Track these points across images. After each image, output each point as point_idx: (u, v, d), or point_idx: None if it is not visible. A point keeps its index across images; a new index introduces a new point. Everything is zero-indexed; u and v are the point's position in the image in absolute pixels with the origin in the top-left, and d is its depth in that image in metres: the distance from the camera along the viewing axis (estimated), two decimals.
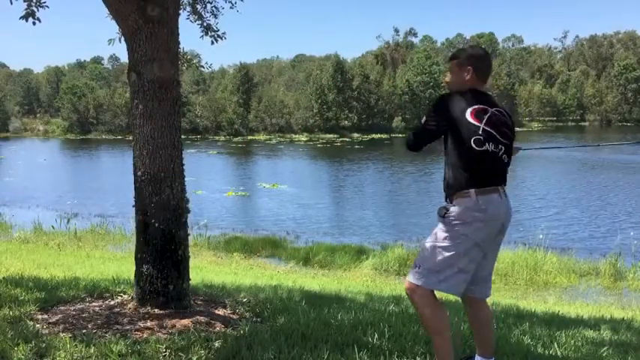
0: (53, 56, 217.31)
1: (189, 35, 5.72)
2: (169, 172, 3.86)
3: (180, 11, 4.51)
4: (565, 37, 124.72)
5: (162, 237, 3.84)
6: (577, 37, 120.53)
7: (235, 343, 3.19)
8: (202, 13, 5.50)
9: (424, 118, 2.82)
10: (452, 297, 3.18)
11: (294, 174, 32.85)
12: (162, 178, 3.83)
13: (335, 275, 11.69)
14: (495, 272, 11.27)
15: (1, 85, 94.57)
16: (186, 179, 4.03)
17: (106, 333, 3.40)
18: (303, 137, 70.31)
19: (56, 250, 12.57)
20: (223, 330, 3.56)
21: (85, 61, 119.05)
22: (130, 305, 3.94)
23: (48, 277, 5.78)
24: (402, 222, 18.58)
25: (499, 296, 8.95)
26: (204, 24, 5.54)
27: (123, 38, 3.98)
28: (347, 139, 66.02)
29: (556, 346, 3.52)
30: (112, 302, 4.14)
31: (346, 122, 76.44)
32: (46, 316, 3.74)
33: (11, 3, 4.38)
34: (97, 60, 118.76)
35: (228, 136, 70.87)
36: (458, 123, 2.73)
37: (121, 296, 4.31)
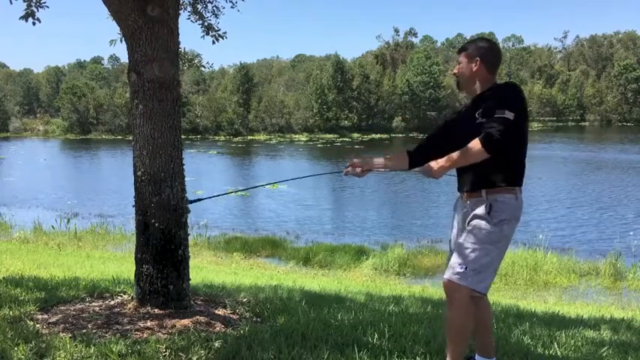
0: (53, 56, 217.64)
1: (189, 35, 5.73)
2: (169, 172, 3.86)
3: (181, 11, 4.52)
4: (565, 37, 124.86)
5: (162, 237, 3.84)
6: (577, 37, 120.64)
7: (235, 343, 3.19)
8: (203, 13, 5.50)
9: (512, 113, 2.58)
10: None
11: (294, 174, 32.81)
12: (162, 178, 3.83)
13: (335, 275, 11.69)
14: None
15: (1, 85, 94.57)
16: (186, 179, 4.03)
17: (106, 333, 3.40)
18: (303, 137, 70.30)
19: (56, 250, 12.56)
20: (223, 330, 3.56)
21: (85, 61, 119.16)
22: (130, 305, 3.94)
23: (48, 277, 5.78)
24: (402, 222, 18.58)
25: (499, 296, 8.96)
26: (205, 24, 5.54)
27: (123, 38, 3.98)
28: (347, 139, 66.01)
29: (556, 346, 3.52)
30: (112, 302, 4.14)
31: (346, 122, 76.45)
32: (46, 316, 3.73)
33: (11, 3, 4.38)
34: (97, 60, 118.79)
35: (228, 136, 70.88)
36: (525, 121, 2.72)
37: (121, 296, 4.31)
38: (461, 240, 2.74)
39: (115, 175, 32.91)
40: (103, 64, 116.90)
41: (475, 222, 2.71)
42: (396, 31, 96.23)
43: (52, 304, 4.04)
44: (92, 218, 18.25)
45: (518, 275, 11.43)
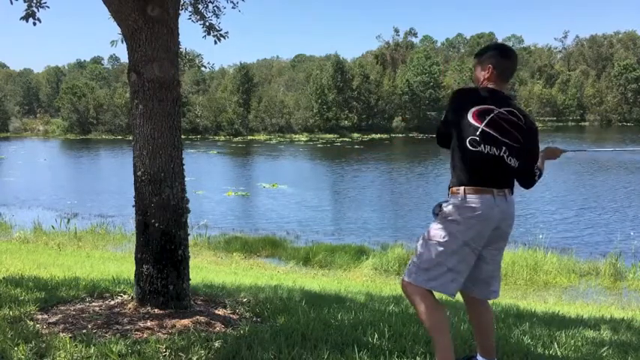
0: (53, 56, 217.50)
1: (190, 35, 5.73)
2: (169, 172, 3.85)
3: (182, 11, 4.51)
4: (565, 37, 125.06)
5: (162, 237, 3.84)
6: (577, 37, 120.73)
7: (235, 343, 3.19)
8: (204, 13, 5.50)
9: (444, 113, 2.90)
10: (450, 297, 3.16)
11: (294, 174, 32.84)
12: (162, 178, 3.83)
13: (335, 275, 11.69)
14: None
15: (1, 85, 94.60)
16: (186, 179, 4.03)
17: (106, 333, 3.40)
18: (303, 137, 70.31)
19: (56, 250, 12.56)
20: (223, 330, 3.56)
21: (85, 61, 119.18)
22: (130, 305, 3.94)
23: (48, 277, 5.78)
24: (402, 222, 18.58)
25: (499, 296, 8.94)
26: (207, 24, 5.54)
27: (123, 38, 3.98)
28: (347, 139, 66.02)
29: (556, 346, 3.52)
30: (112, 302, 4.14)
31: (346, 122, 76.46)
32: (46, 316, 3.73)
33: (11, 3, 4.38)
34: (97, 60, 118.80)
35: (228, 136, 70.90)
36: (460, 122, 2.75)
37: (121, 296, 4.31)
38: None
39: (115, 175, 32.92)
40: (103, 64, 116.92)
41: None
42: (396, 31, 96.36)
43: (52, 304, 4.04)
44: (92, 218, 18.25)
45: (518, 275, 11.43)
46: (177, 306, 3.87)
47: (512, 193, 2.83)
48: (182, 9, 4.66)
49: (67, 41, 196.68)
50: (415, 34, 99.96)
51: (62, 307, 3.98)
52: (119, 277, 5.74)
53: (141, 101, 3.81)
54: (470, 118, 2.72)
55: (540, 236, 13.04)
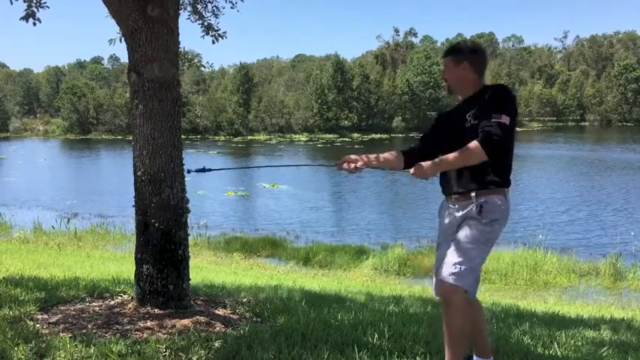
0: (53, 56, 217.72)
1: (189, 35, 5.73)
2: (169, 172, 3.85)
3: (181, 11, 4.51)
4: (565, 37, 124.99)
5: (162, 237, 3.84)
6: (577, 37, 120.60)
7: (235, 343, 3.19)
8: (203, 12, 5.51)
9: (508, 117, 2.61)
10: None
11: (294, 174, 32.83)
12: (162, 178, 3.83)
13: (335, 275, 11.69)
14: (495, 272, 11.32)
15: (1, 85, 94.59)
16: (186, 179, 4.03)
17: (106, 333, 3.40)
18: (303, 137, 70.31)
19: (56, 250, 12.56)
20: (223, 330, 3.56)
21: (85, 61, 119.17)
22: (130, 305, 3.94)
23: (48, 277, 5.78)
24: (402, 222, 18.58)
25: (499, 296, 8.96)
26: (205, 24, 5.54)
27: (123, 38, 3.98)
28: (347, 139, 66.02)
29: (556, 346, 3.52)
30: (112, 302, 4.14)
31: (346, 122, 76.47)
32: (46, 316, 3.73)
33: (11, 3, 4.39)
34: (97, 60, 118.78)
35: (228, 136, 70.89)
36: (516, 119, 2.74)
37: (121, 296, 4.31)
38: (453, 242, 2.72)
39: (115, 175, 32.91)
40: (103, 64, 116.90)
41: (467, 223, 2.70)
42: (396, 31, 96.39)
43: (52, 304, 4.04)
44: (92, 218, 18.25)
45: (518, 275, 11.43)
46: (178, 306, 3.87)
47: None
48: (181, 9, 4.66)
49: (67, 41, 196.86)
50: (415, 34, 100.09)
51: (62, 307, 3.98)
52: (119, 277, 5.74)
53: (141, 101, 3.81)
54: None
55: (540, 236, 13.03)
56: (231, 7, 5.80)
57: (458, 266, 2.64)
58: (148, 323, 3.59)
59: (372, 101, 77.04)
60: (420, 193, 24.07)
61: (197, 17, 5.52)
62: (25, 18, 4.45)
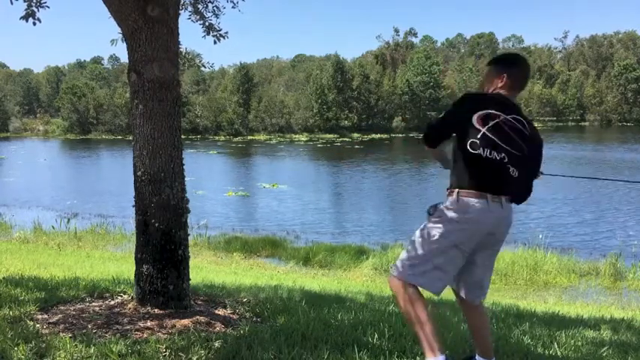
0: (53, 56, 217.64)
1: (189, 35, 5.73)
2: (169, 172, 3.85)
3: (182, 11, 4.51)
4: (565, 37, 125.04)
5: (162, 237, 3.84)
6: (577, 37, 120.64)
7: (235, 343, 3.19)
8: (204, 12, 5.50)
9: (443, 113, 2.90)
10: (452, 297, 3.17)
11: (294, 174, 32.84)
12: (162, 178, 3.83)
13: (335, 275, 11.69)
14: (495, 272, 11.29)
15: (1, 85, 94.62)
16: (186, 179, 4.02)
17: (106, 333, 3.39)
18: (303, 137, 70.34)
19: (56, 250, 12.57)
20: (223, 330, 3.56)
21: (85, 61, 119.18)
22: (130, 305, 3.93)
23: (48, 277, 5.78)
24: (402, 222, 18.58)
25: (499, 296, 8.96)
26: (206, 24, 5.53)
27: (123, 38, 3.98)
28: (347, 139, 66.04)
29: (556, 346, 3.52)
30: (112, 302, 4.14)
31: (346, 122, 76.48)
32: (46, 316, 3.73)
33: (11, 3, 4.38)
34: (97, 60, 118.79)
35: (228, 136, 70.93)
36: (464, 124, 2.74)
37: (121, 296, 4.31)
38: None
39: (114, 175, 32.92)
40: (103, 64, 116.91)
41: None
42: (396, 31, 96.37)
43: (52, 304, 4.04)
44: (92, 218, 18.25)
45: (518, 275, 11.44)
46: (178, 306, 3.87)
47: (511, 202, 2.81)
48: (182, 9, 4.66)
49: (67, 41, 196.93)
50: (415, 34, 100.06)
51: (62, 307, 3.98)
52: (119, 277, 5.74)
53: (141, 101, 3.81)
54: (474, 121, 2.71)
55: (540, 236, 13.04)
56: (233, 7, 5.79)
57: (398, 260, 2.79)
58: (148, 323, 3.59)
59: (372, 101, 77.06)
60: (420, 194, 24.08)
61: (198, 17, 5.51)
62: (25, 17, 4.45)
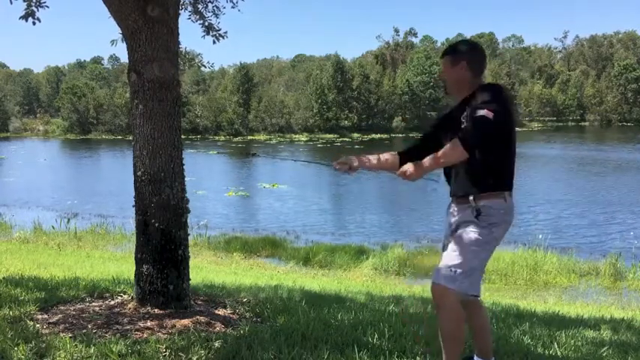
0: (53, 56, 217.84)
1: (189, 35, 5.72)
2: (169, 172, 3.85)
3: (182, 11, 4.51)
4: (565, 37, 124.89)
5: (162, 237, 3.84)
6: (577, 37, 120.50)
7: (235, 343, 3.19)
8: (204, 12, 5.50)
9: (491, 112, 2.51)
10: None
11: (294, 174, 32.84)
12: (162, 178, 3.83)
13: (335, 275, 11.69)
14: (495, 272, 11.32)
15: (1, 85, 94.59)
16: (186, 179, 4.02)
17: (106, 333, 3.39)
18: (303, 137, 70.35)
19: (56, 250, 12.56)
20: (223, 330, 3.56)
21: (85, 61, 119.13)
22: (130, 305, 3.94)
23: (48, 277, 5.78)
24: (402, 222, 18.58)
25: (499, 296, 8.95)
26: (206, 24, 5.53)
27: (123, 38, 3.98)
28: (347, 139, 66.05)
29: (556, 346, 3.52)
30: (112, 302, 4.14)
31: (346, 122, 76.49)
32: (46, 316, 3.73)
33: (11, 3, 4.39)
34: (97, 60, 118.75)
35: (228, 136, 70.93)
36: (513, 119, 2.70)
37: (121, 296, 4.31)
38: (450, 245, 2.74)
39: (114, 175, 32.92)
40: (103, 64, 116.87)
41: (464, 227, 2.71)
42: (396, 31, 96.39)
43: (52, 304, 4.04)
44: (92, 218, 18.25)
45: (518, 275, 11.43)
46: (178, 306, 3.87)
47: None
48: (182, 9, 4.66)
49: (67, 41, 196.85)
50: (415, 34, 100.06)
51: (62, 307, 3.98)
52: (119, 277, 5.74)
53: (141, 101, 3.81)
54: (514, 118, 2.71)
55: (540, 236, 13.03)
56: (232, 7, 5.79)
57: (452, 269, 2.64)
58: (148, 323, 3.59)
59: (372, 101, 77.05)
60: (420, 194, 24.07)
61: (198, 17, 5.51)
62: (25, 17, 4.45)
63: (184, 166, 4.01)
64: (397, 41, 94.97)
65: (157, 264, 3.84)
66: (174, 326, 3.55)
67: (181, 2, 4.40)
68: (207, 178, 29.30)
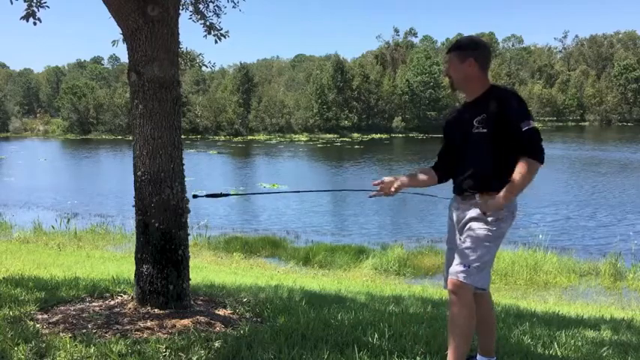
0: (53, 56, 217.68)
1: (190, 35, 5.73)
2: (169, 172, 3.85)
3: (183, 11, 4.51)
4: (565, 37, 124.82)
5: (162, 237, 3.84)
6: (577, 37, 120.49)
7: (235, 343, 3.19)
8: (205, 12, 5.50)
9: (531, 121, 2.68)
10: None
11: (294, 174, 32.84)
12: (162, 178, 3.83)
13: (335, 275, 11.68)
14: (495, 272, 11.31)
15: (1, 85, 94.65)
16: (186, 179, 4.03)
17: (106, 333, 3.39)
18: (303, 137, 70.34)
19: (56, 250, 12.56)
20: (223, 330, 3.56)
21: (85, 61, 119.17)
22: (130, 305, 3.94)
23: (48, 277, 5.78)
24: (402, 222, 18.56)
25: (499, 296, 8.95)
26: (207, 23, 5.53)
27: (123, 38, 3.98)
28: (347, 139, 66.05)
29: (556, 346, 3.52)
30: (112, 302, 4.14)
31: (346, 122, 76.52)
32: (46, 316, 3.73)
33: (11, 3, 4.39)
34: (97, 60, 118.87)
35: (228, 136, 70.95)
36: None
37: (121, 296, 4.31)
38: (461, 242, 2.80)
39: (115, 175, 32.91)
40: (103, 64, 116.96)
41: (473, 224, 2.77)
42: (396, 31, 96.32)
43: (52, 304, 4.04)
44: (92, 218, 18.24)
45: (518, 275, 11.42)
46: (178, 306, 3.87)
47: None
48: (183, 9, 4.66)
49: (67, 41, 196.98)
50: (415, 34, 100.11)
51: (62, 307, 3.98)
52: (119, 277, 5.74)
53: (141, 101, 3.81)
54: None
55: (540, 236, 13.03)
56: (233, 7, 5.80)
57: (467, 265, 2.72)
58: (148, 323, 3.59)
59: (372, 101, 77.07)
60: (420, 194, 24.02)
61: (199, 17, 5.51)
62: (25, 17, 4.45)
63: (184, 166, 4.01)
64: (397, 41, 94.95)
65: (157, 264, 3.84)
66: (174, 326, 3.55)
67: (182, 2, 4.40)
68: (207, 178, 29.29)
